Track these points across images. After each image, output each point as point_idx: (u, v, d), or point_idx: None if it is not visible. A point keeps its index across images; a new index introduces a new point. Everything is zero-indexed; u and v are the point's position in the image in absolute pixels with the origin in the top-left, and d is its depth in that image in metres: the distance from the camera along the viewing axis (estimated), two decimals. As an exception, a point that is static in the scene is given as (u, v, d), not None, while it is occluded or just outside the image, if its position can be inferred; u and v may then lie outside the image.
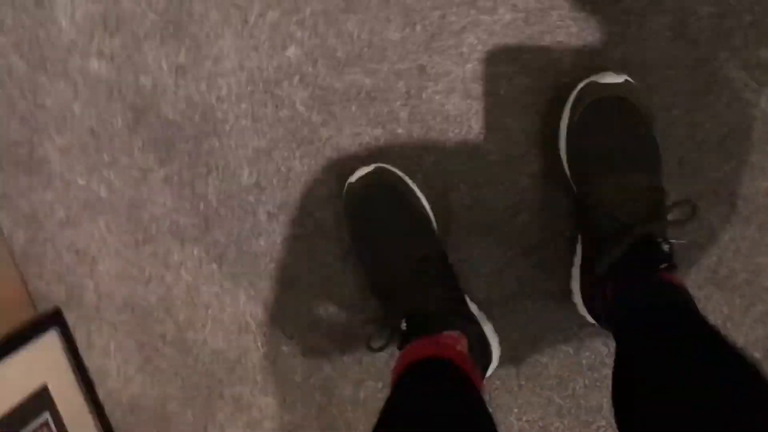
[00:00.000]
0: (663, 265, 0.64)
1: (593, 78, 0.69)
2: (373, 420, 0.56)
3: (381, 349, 0.75)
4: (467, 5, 0.74)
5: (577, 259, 0.77)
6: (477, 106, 0.77)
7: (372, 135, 0.79)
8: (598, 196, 0.69)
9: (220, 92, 0.80)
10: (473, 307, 0.80)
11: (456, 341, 0.72)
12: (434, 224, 0.78)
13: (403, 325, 0.73)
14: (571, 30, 0.73)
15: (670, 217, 0.66)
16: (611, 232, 0.67)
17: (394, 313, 0.74)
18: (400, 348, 0.74)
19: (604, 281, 0.69)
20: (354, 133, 0.79)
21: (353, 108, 0.79)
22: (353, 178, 0.75)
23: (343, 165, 0.80)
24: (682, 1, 0.70)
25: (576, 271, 0.77)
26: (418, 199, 0.77)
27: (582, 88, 0.69)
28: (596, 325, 0.76)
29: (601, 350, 0.83)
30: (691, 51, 0.71)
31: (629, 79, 0.68)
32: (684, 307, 0.60)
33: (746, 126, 0.73)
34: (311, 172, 0.81)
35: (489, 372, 0.81)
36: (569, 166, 0.73)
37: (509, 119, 0.77)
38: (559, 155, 0.74)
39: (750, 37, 0.70)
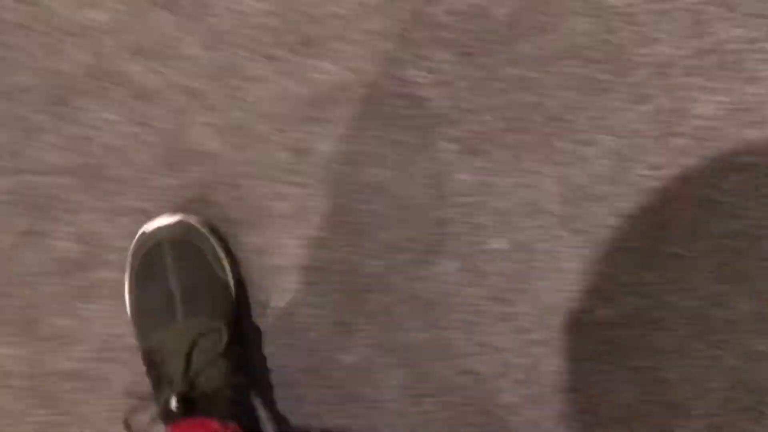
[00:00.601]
0: None
1: None
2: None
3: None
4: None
5: None
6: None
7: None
8: None
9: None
10: (257, 401, 0.71)
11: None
12: (233, 297, 0.70)
13: (173, 404, 0.61)
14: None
15: None
16: None
17: (165, 388, 0.63)
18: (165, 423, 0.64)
19: None
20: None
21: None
22: (149, 227, 0.68)
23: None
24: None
25: None
26: (222, 266, 0.70)
27: None
28: None
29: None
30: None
31: None
32: None
33: None
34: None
35: None
36: None
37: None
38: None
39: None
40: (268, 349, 0.73)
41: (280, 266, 0.73)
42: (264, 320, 0.73)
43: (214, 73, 0.74)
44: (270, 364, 0.74)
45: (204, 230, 0.70)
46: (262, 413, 0.72)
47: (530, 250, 0.71)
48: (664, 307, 0.70)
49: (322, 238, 0.73)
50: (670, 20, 0.69)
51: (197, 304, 0.66)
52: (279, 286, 0.73)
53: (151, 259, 0.68)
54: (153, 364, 0.65)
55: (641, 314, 0.70)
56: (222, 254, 0.70)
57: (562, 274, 0.71)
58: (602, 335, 0.71)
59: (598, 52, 0.70)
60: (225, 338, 0.65)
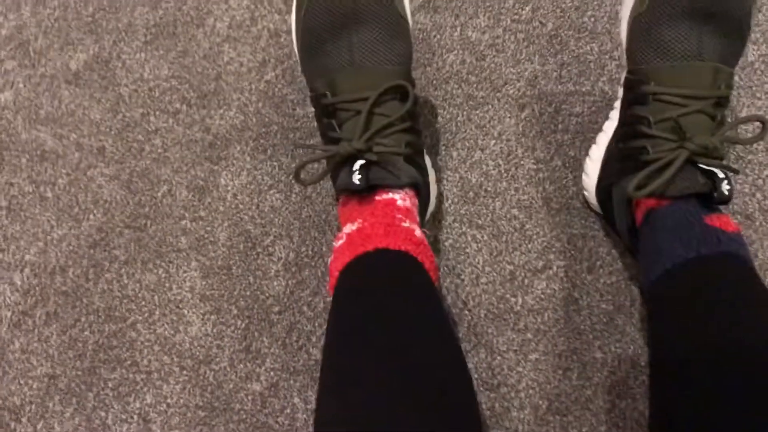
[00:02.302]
0: (716, 208, 0.53)
1: None
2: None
3: (310, 183, 0.59)
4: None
5: (604, 137, 0.64)
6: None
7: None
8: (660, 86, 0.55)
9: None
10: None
11: (409, 213, 0.57)
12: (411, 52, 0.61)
13: (355, 177, 0.55)
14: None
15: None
16: (660, 142, 0.54)
17: (342, 145, 0.56)
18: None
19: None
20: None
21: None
22: None
23: None
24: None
25: (599, 150, 0.64)
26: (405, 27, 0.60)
27: None
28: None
29: None
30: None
31: None
32: (740, 270, 0.50)
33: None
34: None
35: (427, 215, 0.66)
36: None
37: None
38: None
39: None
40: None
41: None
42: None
43: (118, 131, 0.77)
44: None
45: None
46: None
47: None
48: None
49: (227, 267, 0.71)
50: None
51: (379, 53, 0.57)
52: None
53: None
54: (326, 111, 0.58)
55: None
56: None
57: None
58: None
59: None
60: (410, 97, 0.56)
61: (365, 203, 0.56)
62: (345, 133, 0.57)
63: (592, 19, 0.77)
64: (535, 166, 0.72)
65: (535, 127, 0.73)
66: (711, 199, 0.53)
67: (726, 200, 0.53)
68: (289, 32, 0.79)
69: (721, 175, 0.53)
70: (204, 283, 0.70)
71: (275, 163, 0.74)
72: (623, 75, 0.61)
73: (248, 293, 0.69)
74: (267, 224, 0.72)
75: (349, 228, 0.55)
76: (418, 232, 0.56)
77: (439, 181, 0.71)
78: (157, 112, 0.78)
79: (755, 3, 0.61)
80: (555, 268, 0.68)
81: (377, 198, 0.56)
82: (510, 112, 0.74)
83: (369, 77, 0.57)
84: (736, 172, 0.55)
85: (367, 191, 0.57)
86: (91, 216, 0.73)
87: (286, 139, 0.75)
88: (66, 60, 0.82)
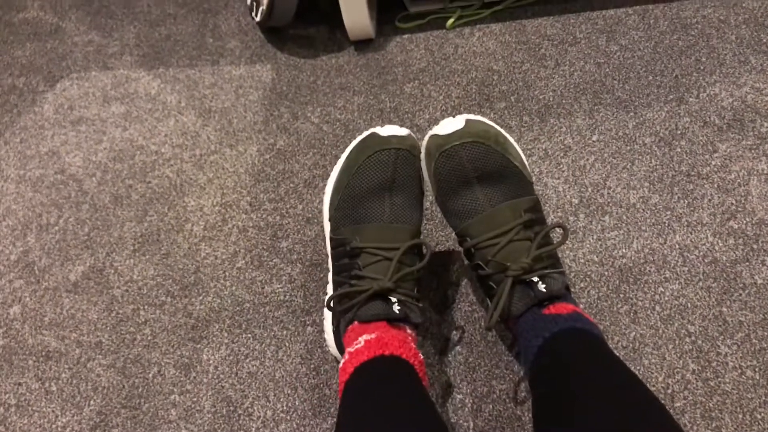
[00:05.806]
0: (554, 299, 0.66)
1: (434, 131, 0.73)
2: None
3: (337, 311, 0.71)
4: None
5: None
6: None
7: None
8: (473, 239, 0.71)
9: None
10: None
11: (414, 341, 0.69)
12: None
13: (396, 308, 0.68)
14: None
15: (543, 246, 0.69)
16: (492, 278, 0.69)
17: (378, 284, 0.68)
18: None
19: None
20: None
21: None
22: (383, 132, 0.74)
23: None
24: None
25: None
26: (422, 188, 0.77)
27: (426, 142, 0.73)
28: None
29: None
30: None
31: (468, 117, 0.72)
32: (575, 339, 0.62)
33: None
34: None
35: None
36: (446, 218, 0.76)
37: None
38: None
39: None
40: None
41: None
42: None
43: (113, 326, 0.90)
44: None
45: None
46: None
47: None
48: None
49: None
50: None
51: (405, 214, 0.73)
52: None
53: (380, 159, 0.73)
54: (349, 253, 0.70)
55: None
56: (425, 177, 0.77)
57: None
58: None
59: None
60: (427, 255, 0.70)
61: (381, 326, 0.67)
62: (369, 273, 0.69)
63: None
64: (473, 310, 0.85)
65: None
66: (549, 299, 0.66)
67: (558, 295, 0.66)
68: (254, 227, 0.95)
69: (538, 281, 0.66)
70: (194, 450, 0.78)
71: (249, 335, 0.86)
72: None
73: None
74: (245, 388, 0.82)
75: (367, 336, 0.65)
76: (420, 356, 0.67)
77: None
78: (146, 306, 0.91)
79: (508, 146, 0.75)
80: (498, 392, 0.78)
81: (390, 325, 0.67)
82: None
83: (396, 232, 0.71)
84: (561, 272, 0.68)
85: (385, 320, 0.68)
86: (92, 402, 0.83)
87: (258, 314, 0.88)
88: (66, 273, 0.96)
